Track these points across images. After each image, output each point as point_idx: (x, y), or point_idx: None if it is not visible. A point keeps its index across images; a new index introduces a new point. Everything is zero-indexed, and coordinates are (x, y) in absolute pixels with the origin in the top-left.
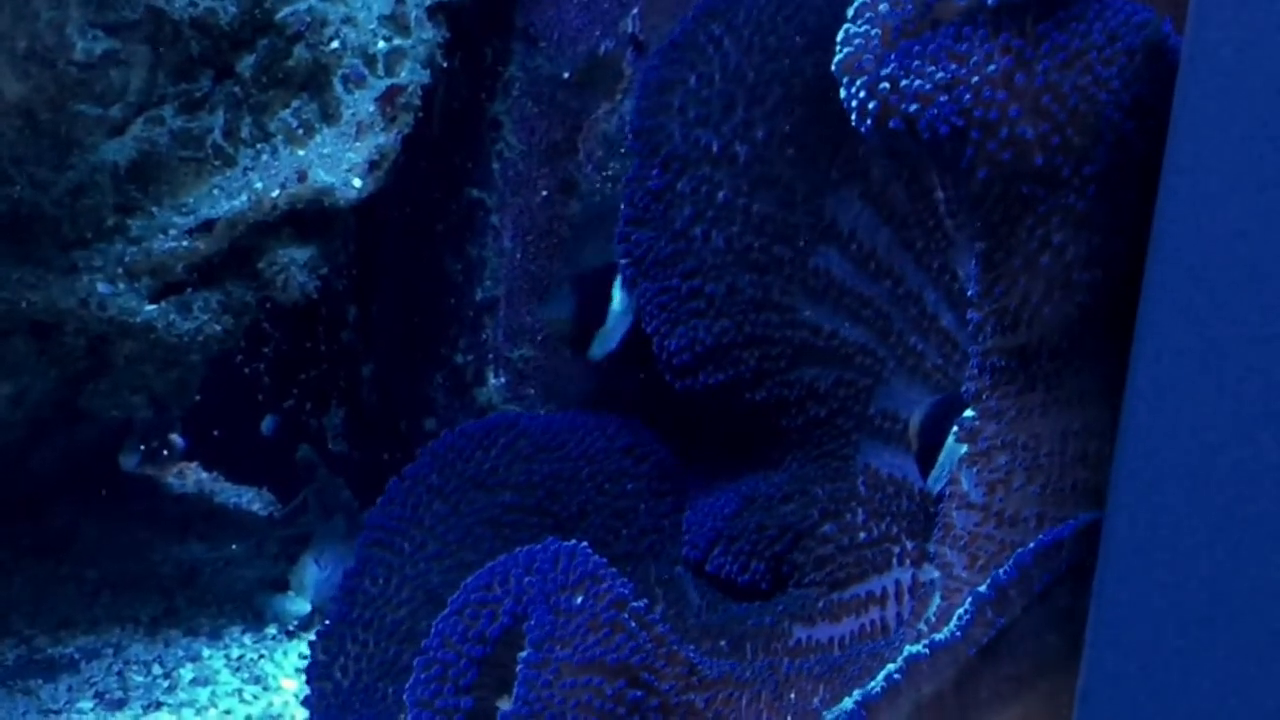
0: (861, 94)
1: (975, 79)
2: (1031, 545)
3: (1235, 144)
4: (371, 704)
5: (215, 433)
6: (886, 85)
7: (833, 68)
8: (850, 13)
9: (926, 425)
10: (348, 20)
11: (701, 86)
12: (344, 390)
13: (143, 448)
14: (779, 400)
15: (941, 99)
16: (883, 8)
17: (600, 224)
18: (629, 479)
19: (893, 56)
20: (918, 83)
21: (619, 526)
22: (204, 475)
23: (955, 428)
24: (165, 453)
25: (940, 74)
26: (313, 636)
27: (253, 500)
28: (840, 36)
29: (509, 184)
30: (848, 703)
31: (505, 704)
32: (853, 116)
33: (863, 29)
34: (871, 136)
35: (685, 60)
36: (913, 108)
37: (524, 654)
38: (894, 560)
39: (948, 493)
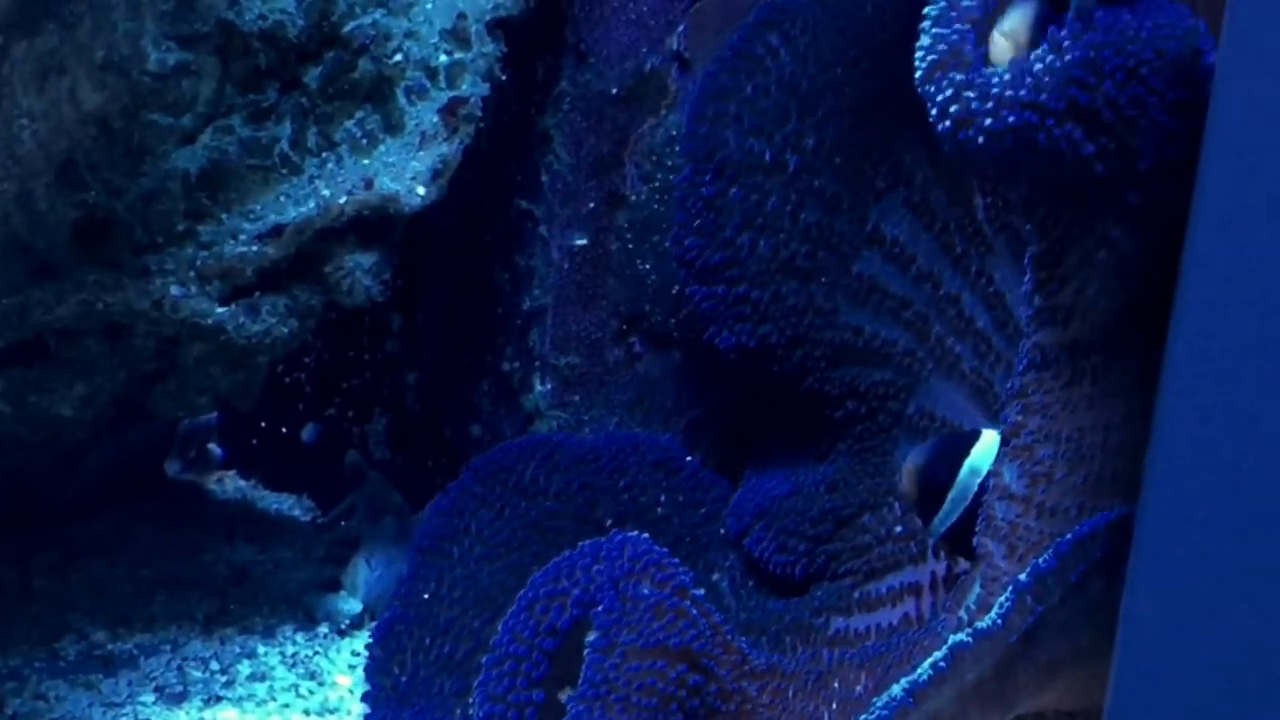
0: (948, 91)
1: (1047, 77)
2: (1069, 536)
3: (1265, 142)
4: (429, 696)
5: (253, 443)
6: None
7: (916, 76)
8: (934, 11)
9: (927, 470)
10: (410, 34)
11: (758, 96)
12: (387, 398)
13: (181, 456)
14: (821, 395)
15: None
16: (967, 2)
17: (648, 233)
18: (661, 491)
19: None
20: (995, 78)
21: (653, 535)
22: (242, 483)
23: (966, 465)
24: (204, 462)
25: (1017, 67)
26: (365, 635)
27: (293, 506)
28: (925, 42)
29: (557, 196)
30: (896, 690)
31: (567, 696)
32: (932, 113)
33: (949, 29)
34: (948, 134)
35: (742, 69)
36: (989, 104)
37: (591, 638)
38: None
39: (990, 485)
